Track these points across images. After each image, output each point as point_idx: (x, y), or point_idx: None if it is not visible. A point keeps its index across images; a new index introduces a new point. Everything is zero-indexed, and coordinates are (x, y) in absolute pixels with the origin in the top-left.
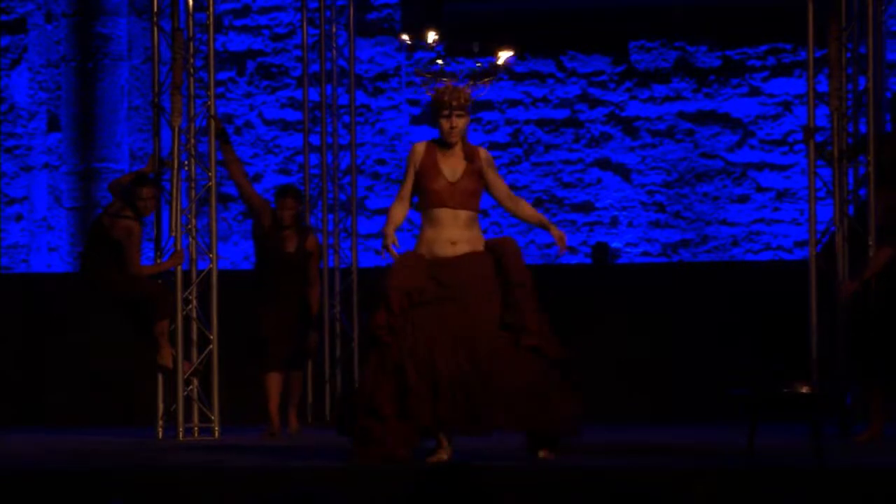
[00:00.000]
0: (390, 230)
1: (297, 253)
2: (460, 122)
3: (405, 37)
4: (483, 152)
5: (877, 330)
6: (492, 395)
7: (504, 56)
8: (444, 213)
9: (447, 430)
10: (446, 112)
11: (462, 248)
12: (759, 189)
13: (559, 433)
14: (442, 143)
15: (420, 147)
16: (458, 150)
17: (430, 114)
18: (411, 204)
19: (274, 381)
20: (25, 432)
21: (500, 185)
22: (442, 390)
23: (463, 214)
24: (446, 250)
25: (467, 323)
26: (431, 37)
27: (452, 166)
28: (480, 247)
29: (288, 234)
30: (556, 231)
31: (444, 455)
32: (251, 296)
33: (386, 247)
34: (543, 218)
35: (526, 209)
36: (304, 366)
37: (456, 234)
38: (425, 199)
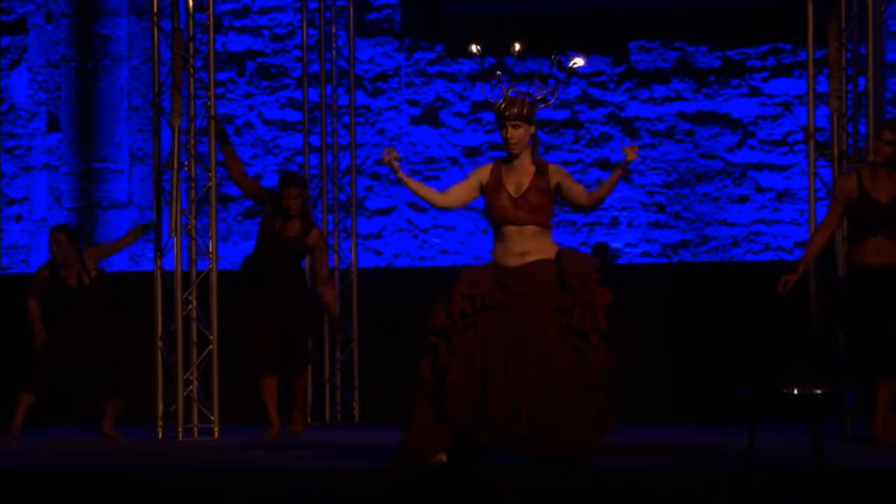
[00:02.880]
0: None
1: (296, 239)
2: (517, 133)
3: (474, 48)
4: (553, 167)
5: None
6: (531, 417)
7: (577, 62)
8: (510, 230)
9: (486, 436)
10: (502, 122)
11: (532, 257)
12: (759, 189)
13: (572, 457)
14: (507, 159)
15: (488, 165)
16: (524, 163)
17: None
18: (449, 201)
19: (268, 386)
20: (25, 432)
21: (577, 192)
22: (489, 396)
23: (529, 229)
24: (516, 260)
25: (525, 332)
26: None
27: (517, 181)
28: (552, 255)
29: (294, 221)
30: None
31: (444, 456)
32: (240, 289)
33: (386, 156)
34: (611, 178)
35: (601, 191)
36: (304, 370)
37: (526, 246)
38: (492, 216)
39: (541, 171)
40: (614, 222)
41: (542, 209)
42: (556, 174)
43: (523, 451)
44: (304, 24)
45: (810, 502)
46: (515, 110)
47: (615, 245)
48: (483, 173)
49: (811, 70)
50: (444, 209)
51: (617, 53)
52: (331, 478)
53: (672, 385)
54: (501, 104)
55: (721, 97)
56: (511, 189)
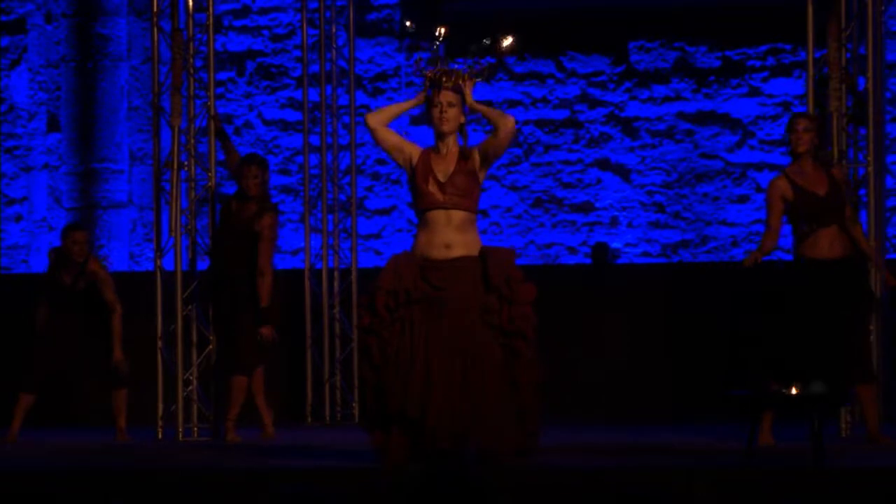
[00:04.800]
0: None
1: (249, 224)
2: (452, 111)
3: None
4: (475, 147)
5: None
6: (461, 412)
7: (507, 40)
8: (437, 215)
9: (415, 431)
10: (436, 91)
11: (457, 252)
12: (759, 189)
13: (505, 453)
14: (436, 148)
15: (419, 148)
16: (451, 150)
17: (424, 110)
18: (383, 132)
19: (239, 385)
20: (26, 432)
21: (489, 139)
22: (414, 392)
23: (456, 215)
24: (440, 253)
25: (452, 330)
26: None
27: (444, 167)
28: (476, 251)
29: (250, 205)
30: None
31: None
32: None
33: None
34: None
35: (488, 115)
36: (248, 372)
37: (451, 238)
38: (419, 201)
39: (465, 157)
40: (614, 222)
41: (469, 193)
42: (476, 150)
43: (448, 447)
44: (304, 24)
45: (810, 502)
46: (454, 79)
47: (615, 245)
48: (413, 151)
49: (811, 70)
50: (373, 129)
51: (617, 53)
52: (330, 478)
53: (672, 385)
54: (437, 73)
55: (721, 97)
56: (439, 175)
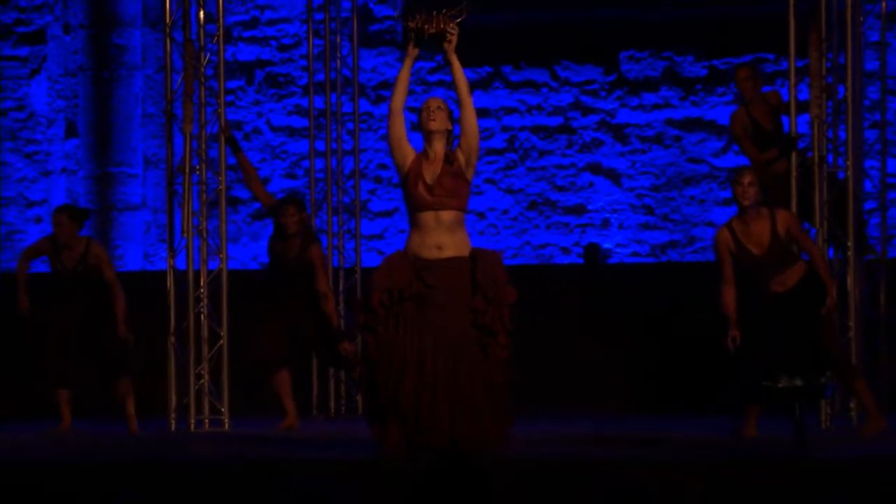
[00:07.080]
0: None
1: (297, 260)
2: (439, 114)
3: None
4: (457, 148)
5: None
6: (446, 412)
7: None
8: (427, 217)
9: (409, 431)
10: (418, 39)
11: (448, 252)
12: None
13: (482, 451)
14: (425, 153)
15: (413, 154)
16: (438, 155)
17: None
18: (396, 117)
19: (281, 380)
20: (38, 424)
21: (461, 122)
22: (407, 391)
23: (445, 216)
24: (432, 254)
25: (443, 326)
26: None
27: (433, 170)
28: (466, 252)
29: (293, 242)
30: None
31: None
32: (254, 304)
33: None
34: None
35: (456, 79)
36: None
37: (442, 239)
38: (410, 204)
39: (450, 161)
40: (605, 224)
41: (457, 193)
42: (459, 151)
43: (437, 445)
44: (311, 35)
45: (795, 492)
46: (435, 24)
47: (606, 245)
48: (409, 155)
49: (793, 79)
50: (392, 110)
51: (608, 63)
52: (338, 470)
53: (659, 379)
54: (417, 22)
55: (707, 104)
56: (427, 178)
